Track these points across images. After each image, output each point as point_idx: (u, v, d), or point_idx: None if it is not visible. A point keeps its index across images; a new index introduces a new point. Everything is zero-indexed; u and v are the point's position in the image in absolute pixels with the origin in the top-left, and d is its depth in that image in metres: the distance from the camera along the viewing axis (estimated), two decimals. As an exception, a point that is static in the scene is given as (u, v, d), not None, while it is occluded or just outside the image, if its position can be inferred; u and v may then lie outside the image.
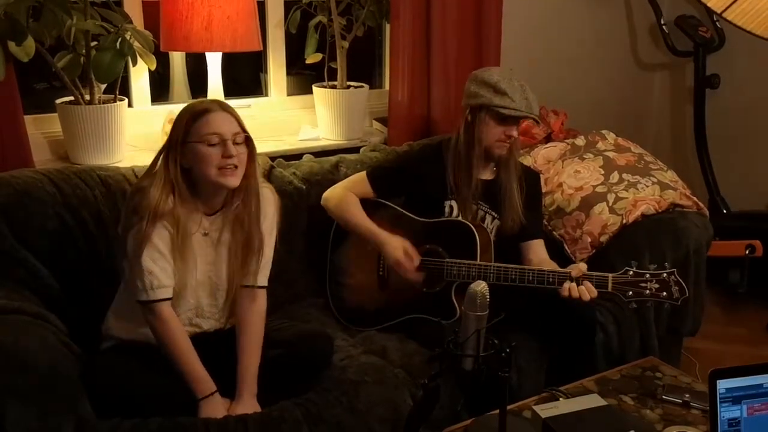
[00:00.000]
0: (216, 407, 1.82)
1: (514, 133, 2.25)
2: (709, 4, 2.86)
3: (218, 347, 1.96)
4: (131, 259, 1.81)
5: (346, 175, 2.48)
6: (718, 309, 3.37)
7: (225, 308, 1.99)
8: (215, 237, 1.93)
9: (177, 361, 1.82)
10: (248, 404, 1.86)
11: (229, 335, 1.98)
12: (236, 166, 1.84)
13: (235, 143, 1.83)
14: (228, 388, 1.88)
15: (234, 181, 1.85)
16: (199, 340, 1.95)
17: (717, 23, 3.55)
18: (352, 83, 2.94)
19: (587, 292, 2.03)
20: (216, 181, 1.83)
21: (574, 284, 2.05)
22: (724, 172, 3.58)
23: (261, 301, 1.98)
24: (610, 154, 2.80)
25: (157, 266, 1.81)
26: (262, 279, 1.98)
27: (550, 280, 2.10)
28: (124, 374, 1.80)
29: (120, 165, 2.39)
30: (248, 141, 1.89)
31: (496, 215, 2.33)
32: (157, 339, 1.84)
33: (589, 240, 2.58)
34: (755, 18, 2.72)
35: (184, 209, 1.85)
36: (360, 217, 2.30)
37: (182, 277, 1.87)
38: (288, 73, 3.01)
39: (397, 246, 2.22)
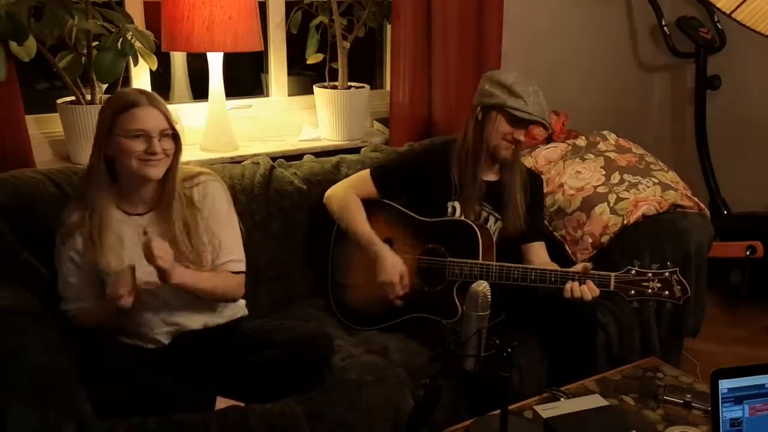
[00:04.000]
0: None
1: (522, 137, 2.25)
2: (718, 5, 2.86)
3: (207, 346, 1.98)
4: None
5: (347, 176, 2.48)
6: (719, 310, 3.36)
7: (194, 300, 1.97)
8: (157, 231, 1.92)
9: (110, 313, 1.85)
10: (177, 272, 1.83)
11: (218, 334, 2.00)
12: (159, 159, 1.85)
13: (162, 137, 1.84)
14: (224, 387, 1.89)
15: (155, 172, 1.85)
16: (185, 339, 1.97)
17: (718, 24, 3.55)
18: (353, 84, 2.94)
19: (589, 291, 2.03)
20: (137, 172, 1.84)
21: (576, 284, 2.05)
22: (724, 173, 3.58)
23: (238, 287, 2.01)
24: (611, 155, 2.80)
25: (68, 292, 1.92)
26: (235, 266, 2.01)
27: (552, 279, 2.10)
28: (123, 375, 1.80)
29: (121, 165, 2.39)
30: (175, 137, 1.88)
31: (498, 216, 2.33)
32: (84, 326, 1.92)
33: (590, 240, 2.58)
34: (764, 19, 2.73)
35: (109, 201, 1.88)
36: (361, 224, 2.29)
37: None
38: (289, 74, 3.01)
39: (395, 267, 2.21)
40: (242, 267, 2.03)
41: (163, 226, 1.92)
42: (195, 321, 1.99)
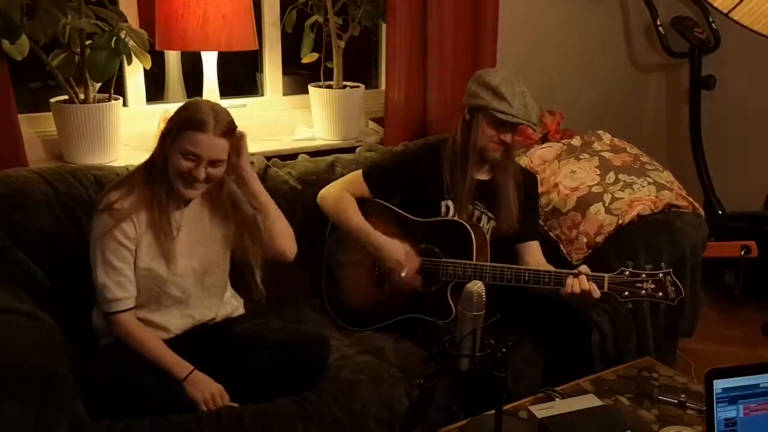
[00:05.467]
0: (201, 381, 1.84)
1: (509, 139, 2.24)
2: (715, 5, 2.87)
3: (211, 341, 1.99)
4: (92, 268, 1.88)
5: (342, 175, 2.47)
6: (714, 310, 3.37)
7: (215, 296, 2.05)
8: (190, 228, 1.97)
9: (147, 356, 1.86)
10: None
11: (221, 329, 2.02)
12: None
13: (210, 164, 1.87)
14: (224, 384, 1.88)
15: (192, 194, 1.90)
16: (193, 332, 1.99)
17: (713, 24, 3.55)
18: (348, 83, 2.93)
19: (584, 284, 2.03)
20: (176, 189, 1.88)
21: (575, 279, 2.04)
22: (719, 173, 3.59)
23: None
24: (606, 155, 2.80)
25: (110, 279, 1.86)
26: None
27: (546, 280, 2.09)
28: (118, 374, 1.80)
29: (115, 164, 2.38)
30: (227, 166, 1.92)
31: (491, 215, 2.33)
32: (121, 340, 1.89)
33: (585, 240, 2.58)
34: (762, 18, 2.73)
35: (163, 195, 1.90)
36: (357, 220, 2.29)
37: (160, 270, 1.91)
38: (284, 73, 3.00)
39: (398, 249, 2.21)
40: None
41: (198, 223, 1.98)
42: (206, 314, 2.02)
